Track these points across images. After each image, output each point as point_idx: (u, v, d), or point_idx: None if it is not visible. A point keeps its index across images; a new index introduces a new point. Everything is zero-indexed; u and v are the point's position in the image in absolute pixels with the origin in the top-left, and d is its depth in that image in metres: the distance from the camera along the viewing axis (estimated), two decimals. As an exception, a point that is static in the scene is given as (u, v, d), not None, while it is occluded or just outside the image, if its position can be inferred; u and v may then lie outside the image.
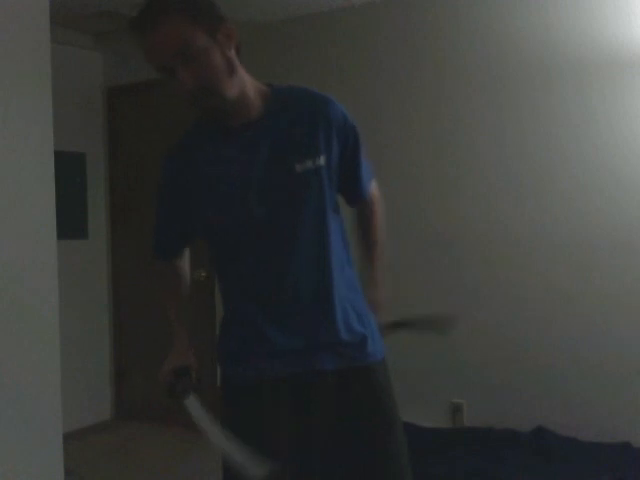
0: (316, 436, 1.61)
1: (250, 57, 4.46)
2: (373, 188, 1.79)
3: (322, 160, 1.56)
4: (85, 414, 4.39)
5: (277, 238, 1.57)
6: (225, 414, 1.78)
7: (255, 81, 1.59)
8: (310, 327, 1.58)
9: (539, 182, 3.37)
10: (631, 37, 3.12)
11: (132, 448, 4.11)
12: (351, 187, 1.72)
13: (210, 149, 1.60)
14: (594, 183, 3.24)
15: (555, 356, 3.31)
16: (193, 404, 1.83)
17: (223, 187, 1.57)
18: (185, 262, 1.94)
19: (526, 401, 3.34)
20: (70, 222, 4.27)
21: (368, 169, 1.75)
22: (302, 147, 1.56)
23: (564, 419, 3.23)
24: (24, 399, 2.64)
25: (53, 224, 2.77)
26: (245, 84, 1.54)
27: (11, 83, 2.62)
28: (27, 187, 2.69)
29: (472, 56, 3.47)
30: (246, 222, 1.57)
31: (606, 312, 3.20)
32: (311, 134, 1.56)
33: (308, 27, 3.88)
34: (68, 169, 4.25)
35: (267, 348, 1.61)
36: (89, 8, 3.82)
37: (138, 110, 4.55)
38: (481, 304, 3.42)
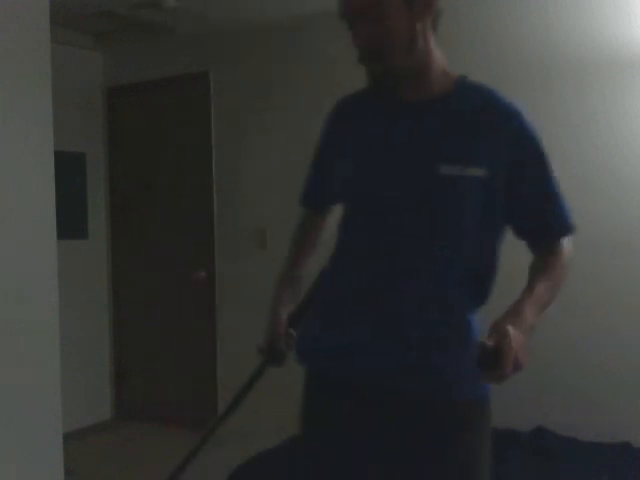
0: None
1: (250, 57, 4.46)
2: (564, 243, 1.47)
3: (478, 172, 1.36)
4: (85, 414, 4.38)
5: (396, 237, 1.42)
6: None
7: (445, 63, 1.47)
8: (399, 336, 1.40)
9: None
10: (631, 37, 3.11)
11: (132, 448, 4.11)
12: (538, 222, 1.46)
13: (369, 119, 1.49)
14: (594, 183, 3.24)
15: (555, 356, 3.31)
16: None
17: (361, 163, 1.47)
18: (329, 221, 1.71)
19: (526, 401, 3.34)
20: (70, 222, 4.27)
21: (568, 210, 1.46)
22: (458, 148, 1.39)
23: (564, 419, 3.23)
24: (24, 399, 2.64)
25: (53, 224, 2.78)
26: (430, 60, 1.42)
27: (11, 83, 2.62)
28: (27, 187, 2.69)
29: (472, 56, 3.47)
30: (373, 205, 1.44)
31: (606, 312, 3.20)
32: (475, 139, 1.39)
33: (308, 27, 3.88)
34: (68, 169, 4.25)
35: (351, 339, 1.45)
36: (89, 8, 3.82)
37: (138, 110, 4.55)
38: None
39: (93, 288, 4.57)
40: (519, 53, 3.40)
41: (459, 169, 1.36)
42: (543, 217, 1.46)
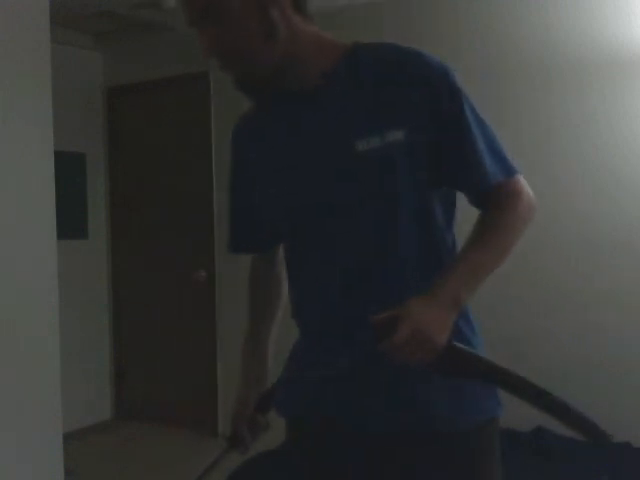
0: None
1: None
2: (516, 183, 1.27)
3: (397, 135, 1.18)
4: (85, 414, 4.38)
5: (335, 234, 1.25)
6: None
7: (325, 37, 1.27)
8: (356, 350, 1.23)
9: (539, 182, 3.36)
10: (631, 37, 3.11)
11: (132, 448, 4.11)
12: (464, 175, 1.24)
13: (267, 129, 1.34)
14: (594, 183, 3.24)
15: (555, 356, 3.31)
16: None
17: (267, 175, 1.32)
18: (280, 271, 1.50)
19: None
20: (70, 222, 4.27)
21: (498, 154, 1.26)
22: (368, 118, 1.20)
23: (564, 419, 3.23)
24: (24, 399, 2.64)
25: (53, 224, 2.77)
26: (297, 44, 1.23)
27: (11, 83, 2.62)
28: (27, 187, 2.69)
29: (472, 56, 3.47)
30: (302, 214, 1.27)
31: (606, 312, 3.20)
32: (383, 101, 1.20)
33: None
34: (68, 169, 4.25)
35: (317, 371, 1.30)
36: (89, 8, 3.82)
37: (138, 110, 4.55)
38: (480, 304, 3.41)
39: (93, 288, 4.57)
40: (519, 53, 3.39)
41: (376, 140, 1.18)
42: (463, 166, 1.23)
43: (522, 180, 1.29)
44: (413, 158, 1.20)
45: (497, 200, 1.25)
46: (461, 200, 1.32)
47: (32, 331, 2.68)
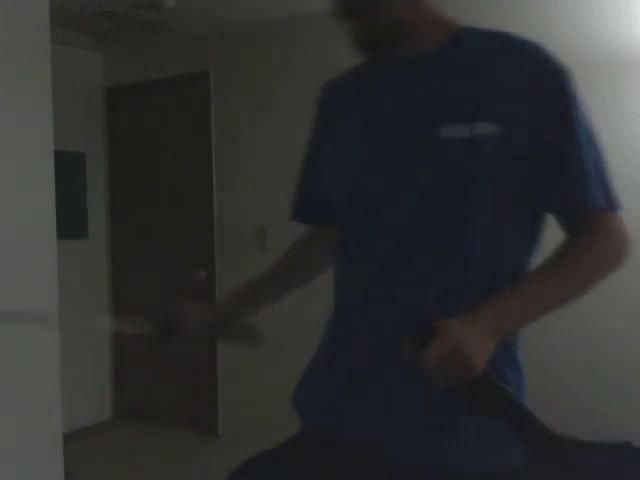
0: None
1: (250, 57, 4.45)
2: (616, 220, 1.15)
3: (489, 129, 1.06)
4: (85, 414, 4.38)
5: (395, 228, 1.14)
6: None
7: (437, 13, 1.20)
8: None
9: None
10: (631, 37, 3.11)
11: (132, 448, 4.11)
12: (562, 192, 1.10)
13: (362, 93, 1.24)
14: (594, 183, 3.24)
15: (555, 356, 3.31)
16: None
17: (345, 148, 1.22)
18: (322, 258, 1.40)
19: (526, 401, 3.33)
20: (70, 222, 4.27)
21: (604, 179, 1.15)
22: (460, 105, 1.09)
23: (564, 419, 3.23)
24: (24, 399, 2.64)
25: (53, 224, 2.77)
26: (418, 9, 1.16)
27: (11, 83, 2.62)
28: (27, 187, 2.69)
29: (472, 56, 3.47)
30: (361, 197, 1.18)
31: (606, 312, 3.20)
32: (480, 90, 1.09)
33: (308, 27, 3.87)
34: (68, 169, 4.25)
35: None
36: (89, 8, 3.82)
37: (138, 110, 4.55)
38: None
39: (93, 288, 4.57)
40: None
41: (465, 129, 1.07)
42: (563, 181, 1.10)
43: (622, 220, 1.16)
44: (503, 159, 1.07)
45: (590, 230, 1.11)
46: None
47: (32, 331, 2.68)
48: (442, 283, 1.12)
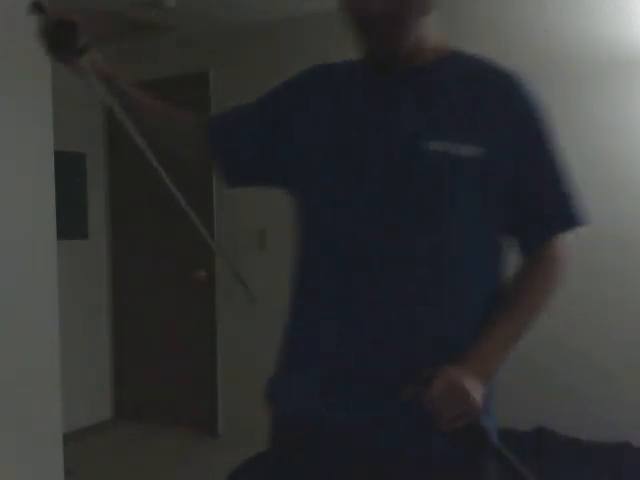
0: None
1: (250, 57, 4.45)
2: (562, 243, 1.23)
3: (471, 150, 1.11)
4: (85, 414, 4.38)
5: (370, 237, 1.15)
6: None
7: (434, 33, 1.26)
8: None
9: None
10: (631, 37, 3.11)
11: (132, 448, 4.11)
12: (530, 217, 1.19)
13: (348, 85, 1.26)
14: (594, 183, 3.24)
15: (555, 356, 3.31)
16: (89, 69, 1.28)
17: (335, 130, 1.22)
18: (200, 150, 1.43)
19: (526, 401, 3.34)
20: (70, 222, 4.27)
21: (573, 198, 1.23)
22: (446, 123, 1.14)
23: (564, 419, 3.23)
24: (24, 399, 2.64)
25: (53, 224, 2.77)
26: (428, 28, 1.22)
27: (11, 83, 2.62)
28: (27, 187, 2.69)
29: (472, 56, 3.47)
30: (344, 178, 1.18)
31: (606, 311, 3.20)
32: (471, 112, 1.15)
33: (308, 27, 3.87)
34: (68, 169, 4.25)
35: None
36: (89, 8, 3.82)
37: (138, 110, 4.55)
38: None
39: (93, 288, 4.57)
40: (519, 53, 3.39)
41: (451, 146, 1.11)
42: (541, 206, 1.19)
43: (571, 240, 1.25)
44: (485, 181, 1.13)
45: (550, 254, 1.21)
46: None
47: (32, 331, 2.68)
48: (417, 282, 1.14)
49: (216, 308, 4.26)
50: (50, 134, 2.76)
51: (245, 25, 4.04)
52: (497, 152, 1.13)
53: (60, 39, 1.26)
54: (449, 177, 1.12)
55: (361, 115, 1.21)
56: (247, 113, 1.36)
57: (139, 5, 3.75)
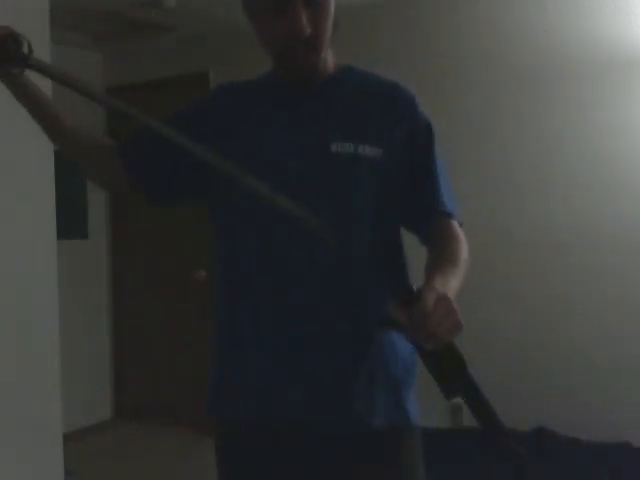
0: None
1: (250, 57, 4.44)
2: (457, 223, 1.34)
3: (371, 151, 1.26)
4: (85, 414, 4.38)
5: (285, 237, 1.27)
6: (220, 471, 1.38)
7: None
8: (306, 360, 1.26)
9: (538, 182, 3.36)
10: (631, 37, 3.12)
11: (132, 448, 4.11)
12: (423, 202, 1.33)
13: (263, 103, 1.36)
14: (594, 183, 3.24)
15: (555, 356, 3.31)
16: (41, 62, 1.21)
17: (247, 145, 1.31)
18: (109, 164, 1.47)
19: (526, 401, 3.34)
20: (70, 222, 4.27)
21: (449, 190, 1.35)
22: (346, 128, 1.28)
23: (564, 419, 3.23)
24: (24, 399, 2.64)
25: (53, 224, 2.77)
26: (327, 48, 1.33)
27: (11, 83, 2.62)
28: (27, 187, 2.69)
29: (472, 56, 3.47)
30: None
31: (606, 312, 3.20)
32: (364, 118, 1.29)
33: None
34: (68, 169, 4.23)
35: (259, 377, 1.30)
36: (89, 8, 3.82)
37: (138, 110, 4.55)
38: (481, 304, 3.42)
39: (93, 288, 4.57)
40: (519, 53, 3.39)
41: (351, 147, 1.26)
42: (423, 197, 1.32)
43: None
44: (382, 176, 1.27)
45: (451, 231, 1.31)
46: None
47: (32, 331, 2.68)
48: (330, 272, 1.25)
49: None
50: (50, 134, 2.76)
51: (245, 25, 4.03)
52: (391, 152, 1.28)
53: (3, 54, 1.19)
54: (353, 172, 1.26)
55: (275, 127, 1.32)
56: (155, 135, 1.39)
57: (139, 5, 3.75)
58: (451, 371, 1.12)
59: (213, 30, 4.14)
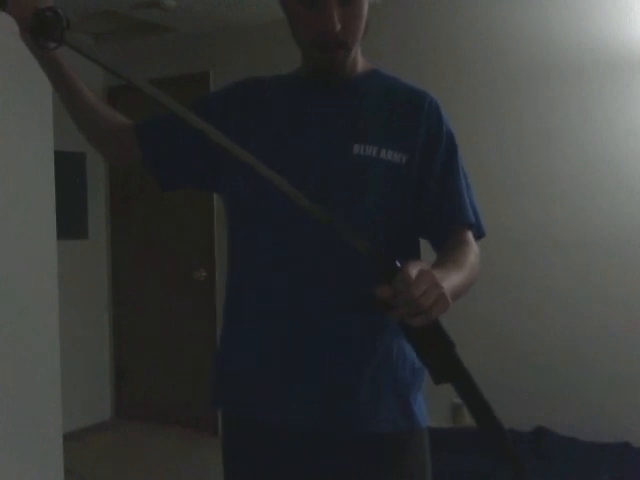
0: None
1: (250, 57, 4.45)
2: (469, 235, 1.31)
3: (394, 156, 1.25)
4: (85, 414, 4.38)
5: (301, 239, 1.25)
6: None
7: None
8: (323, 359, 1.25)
9: (539, 182, 3.36)
10: (631, 37, 3.12)
11: (132, 448, 4.11)
12: (440, 212, 1.30)
13: (288, 98, 1.35)
14: (594, 183, 3.24)
15: (555, 356, 3.31)
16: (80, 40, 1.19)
17: (266, 141, 1.30)
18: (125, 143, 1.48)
19: (526, 401, 3.34)
20: (70, 222, 4.27)
21: (473, 201, 1.34)
22: (370, 130, 1.28)
23: (564, 419, 3.23)
24: (24, 399, 2.64)
25: (53, 224, 2.77)
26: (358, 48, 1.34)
27: (11, 83, 2.62)
28: (27, 187, 2.69)
29: (472, 56, 3.47)
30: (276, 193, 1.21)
31: (606, 312, 3.20)
32: (390, 123, 1.29)
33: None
34: (68, 169, 4.25)
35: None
36: (89, 8, 3.82)
37: (138, 110, 4.53)
38: (481, 304, 3.42)
39: (93, 288, 4.57)
40: (519, 53, 3.40)
41: (374, 150, 1.25)
42: (440, 206, 1.30)
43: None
44: (403, 182, 1.25)
45: (463, 238, 1.28)
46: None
47: (32, 331, 2.68)
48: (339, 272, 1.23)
49: (216, 308, 4.25)
50: (50, 134, 2.76)
51: (245, 25, 4.04)
52: (414, 158, 1.27)
53: (42, 27, 1.19)
54: (371, 175, 1.24)
55: (299, 124, 1.31)
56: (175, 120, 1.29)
57: (139, 5, 3.75)
58: (438, 352, 1.08)
59: (213, 30, 4.14)
